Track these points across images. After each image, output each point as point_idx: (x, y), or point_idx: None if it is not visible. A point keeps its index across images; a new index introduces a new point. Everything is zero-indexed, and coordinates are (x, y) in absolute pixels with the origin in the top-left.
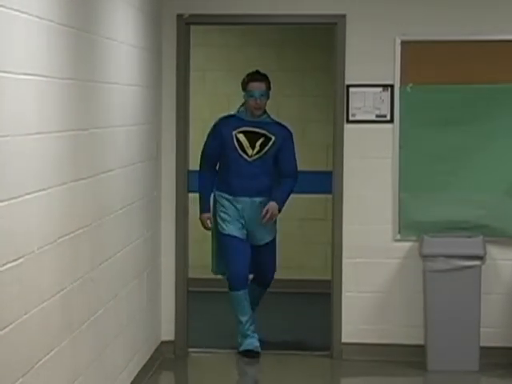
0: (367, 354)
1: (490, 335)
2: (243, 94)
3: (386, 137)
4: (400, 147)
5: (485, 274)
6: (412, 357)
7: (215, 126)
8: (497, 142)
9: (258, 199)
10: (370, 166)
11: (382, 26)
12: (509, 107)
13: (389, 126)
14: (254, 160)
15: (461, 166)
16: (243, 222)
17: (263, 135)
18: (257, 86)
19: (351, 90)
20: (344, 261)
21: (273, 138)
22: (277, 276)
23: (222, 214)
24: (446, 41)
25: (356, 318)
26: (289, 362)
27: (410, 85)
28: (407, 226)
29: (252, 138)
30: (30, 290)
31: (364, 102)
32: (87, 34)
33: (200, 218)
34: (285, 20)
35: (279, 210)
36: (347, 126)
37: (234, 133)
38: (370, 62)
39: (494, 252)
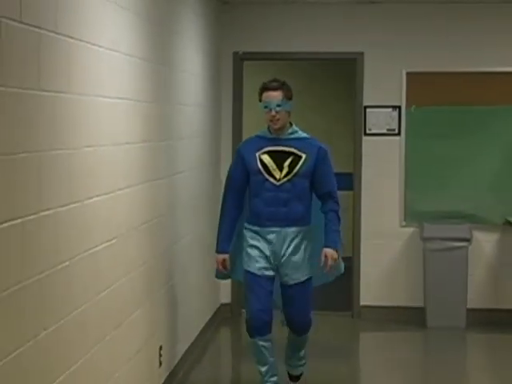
0: (380, 313)
1: (475, 299)
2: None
3: (395, 146)
4: (405, 154)
5: (471, 252)
6: (414, 316)
7: (237, 150)
8: (481, 151)
9: (290, 229)
10: (382, 169)
11: (391, 61)
12: (491, 125)
13: (397, 138)
14: (283, 184)
15: (453, 170)
16: (272, 257)
17: (292, 154)
18: (272, 96)
19: (368, 110)
20: (362, 242)
21: (304, 155)
22: None
23: (248, 249)
24: (440, 72)
25: (371, 286)
26: (320, 320)
27: (414, 106)
28: (411, 215)
29: (279, 158)
30: (120, 263)
31: (378, 119)
32: (164, 67)
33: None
34: (315, 56)
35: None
36: (365, 138)
37: (257, 154)
38: (383, 88)
39: (478, 235)
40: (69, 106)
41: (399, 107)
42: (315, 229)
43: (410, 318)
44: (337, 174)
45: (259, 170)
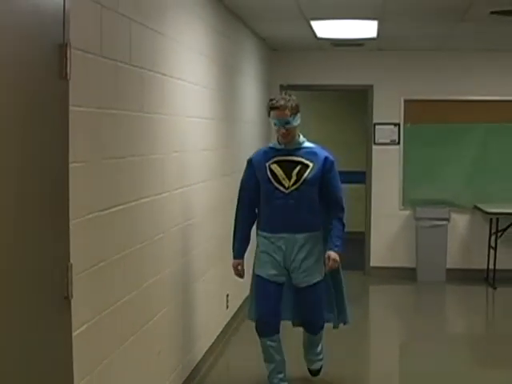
0: (384, 272)
1: (452, 261)
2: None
3: (395, 153)
4: (403, 158)
5: (449, 228)
6: (408, 274)
7: (248, 160)
8: (458, 156)
9: (300, 235)
10: (386, 168)
11: (393, 91)
12: (465, 137)
13: (397, 146)
14: (292, 191)
15: (437, 169)
16: (283, 262)
17: (299, 163)
18: (280, 115)
19: (376, 126)
20: (372, 220)
21: (311, 164)
22: None
23: (259, 254)
24: (429, 99)
25: (378, 252)
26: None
27: (409, 124)
28: (407, 201)
29: (287, 167)
30: (193, 241)
31: (383, 133)
32: (230, 95)
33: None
34: (337, 87)
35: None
36: (374, 147)
37: (267, 164)
38: (387, 110)
39: (455, 216)
40: (162, 123)
41: (399, 124)
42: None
43: (406, 275)
44: (353, 173)
45: (269, 178)
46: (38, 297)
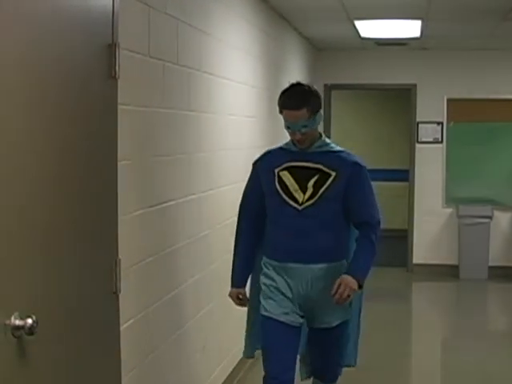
0: (427, 269)
1: (494, 259)
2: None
3: (438, 151)
4: (446, 156)
5: (492, 225)
6: (451, 271)
7: (253, 164)
8: (500, 154)
9: (316, 266)
10: (429, 166)
11: (436, 90)
12: (506, 135)
13: (440, 145)
14: (307, 208)
15: (480, 167)
16: (296, 299)
17: (318, 171)
18: (293, 116)
19: (420, 125)
20: (415, 218)
21: (333, 173)
22: None
23: (265, 288)
24: (471, 98)
25: (421, 249)
26: (381, 273)
27: (452, 122)
28: (450, 199)
29: (302, 176)
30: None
31: (426, 132)
32: (274, 93)
33: (229, 294)
34: (382, 86)
35: (360, 286)
36: (417, 145)
37: (276, 171)
38: (430, 109)
39: (497, 214)
40: (208, 121)
41: (442, 123)
42: None
43: (448, 272)
44: (397, 171)
45: (277, 190)
46: (88, 291)
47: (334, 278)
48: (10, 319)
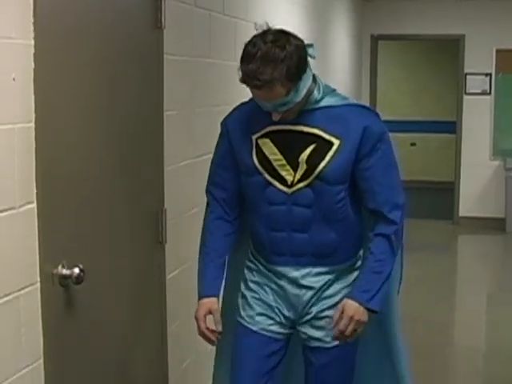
0: (473, 222)
1: None
2: None
3: (486, 103)
4: (494, 108)
5: None
6: (497, 224)
7: (222, 124)
8: None
9: (315, 270)
10: (477, 118)
11: (485, 41)
12: None
13: (488, 97)
14: (299, 191)
15: None
16: (286, 310)
17: (315, 138)
18: (262, 97)
19: (468, 76)
20: (462, 170)
21: (336, 142)
22: (414, 177)
23: (244, 290)
24: None
25: (467, 202)
26: (425, 226)
27: (501, 74)
28: (497, 151)
29: (291, 145)
30: None
31: (475, 83)
32: (320, 44)
33: (195, 314)
34: (429, 37)
35: (372, 310)
36: (465, 97)
37: (254, 138)
38: (478, 60)
39: None
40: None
41: (490, 74)
42: None
43: (495, 225)
44: (444, 123)
45: (255, 167)
46: (135, 241)
47: (342, 281)
48: (57, 268)
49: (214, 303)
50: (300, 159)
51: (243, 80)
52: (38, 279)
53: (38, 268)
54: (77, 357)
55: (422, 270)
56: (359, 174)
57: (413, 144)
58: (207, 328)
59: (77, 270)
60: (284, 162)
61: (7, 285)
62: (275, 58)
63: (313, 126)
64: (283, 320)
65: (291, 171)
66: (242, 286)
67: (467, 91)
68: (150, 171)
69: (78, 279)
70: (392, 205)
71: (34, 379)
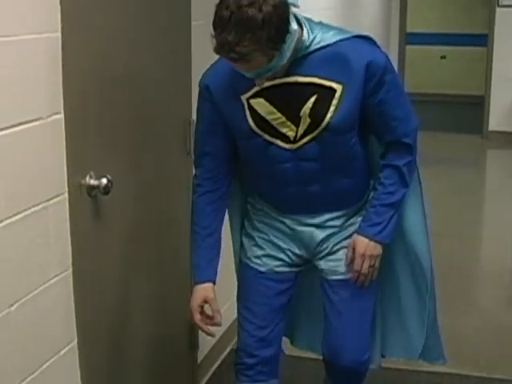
0: (503, 137)
1: None
2: None
3: None
4: None
5: None
6: None
7: (201, 85)
8: None
9: (329, 215)
10: (509, 31)
11: None
12: None
13: None
14: (305, 145)
15: None
16: (294, 248)
17: (315, 87)
18: (241, 68)
19: None
20: (492, 83)
21: (338, 87)
22: (444, 91)
23: (251, 231)
24: None
25: (497, 116)
26: (452, 140)
27: None
28: None
29: (288, 101)
30: None
31: None
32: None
33: (190, 303)
34: None
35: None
36: (498, 9)
37: (243, 98)
38: None
39: None
40: None
41: None
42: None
43: None
44: (476, 36)
45: (251, 130)
46: (162, 152)
47: (355, 216)
48: (85, 179)
49: (209, 291)
50: (302, 113)
51: (217, 51)
52: (66, 189)
53: (65, 178)
54: (104, 267)
55: (450, 184)
56: (369, 111)
57: (443, 57)
58: (202, 320)
59: (104, 181)
60: (284, 119)
61: (36, 195)
62: (252, 24)
63: (309, 75)
64: (294, 259)
65: (293, 127)
66: (248, 227)
67: (500, 3)
68: (178, 82)
69: (106, 189)
70: (408, 133)
71: (62, 289)
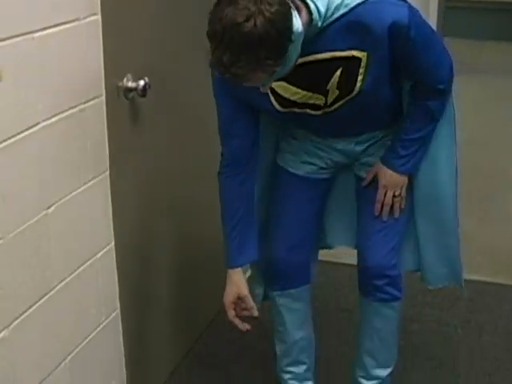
0: None
1: None
2: None
3: None
4: None
5: None
6: None
7: (215, 82)
8: None
9: (373, 134)
10: None
11: None
12: None
13: None
14: (341, 107)
15: None
16: (333, 156)
17: (338, 60)
18: (248, 83)
19: None
20: None
21: (363, 54)
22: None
23: (286, 145)
24: None
25: None
26: (498, 48)
27: None
28: None
29: (311, 79)
30: None
31: None
32: None
33: (224, 297)
34: None
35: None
36: None
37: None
38: None
39: None
40: None
41: None
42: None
43: None
44: None
45: (277, 111)
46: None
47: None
48: (122, 81)
49: (242, 288)
50: (329, 87)
51: (213, 68)
52: (104, 91)
53: (103, 80)
54: (140, 170)
55: (488, 93)
56: (399, 64)
57: None
58: (235, 317)
59: (142, 83)
60: (310, 94)
61: (73, 97)
62: (247, 43)
63: (329, 50)
64: (331, 164)
65: (321, 96)
66: (283, 143)
67: None
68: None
69: (143, 92)
70: (442, 79)
71: (99, 191)
